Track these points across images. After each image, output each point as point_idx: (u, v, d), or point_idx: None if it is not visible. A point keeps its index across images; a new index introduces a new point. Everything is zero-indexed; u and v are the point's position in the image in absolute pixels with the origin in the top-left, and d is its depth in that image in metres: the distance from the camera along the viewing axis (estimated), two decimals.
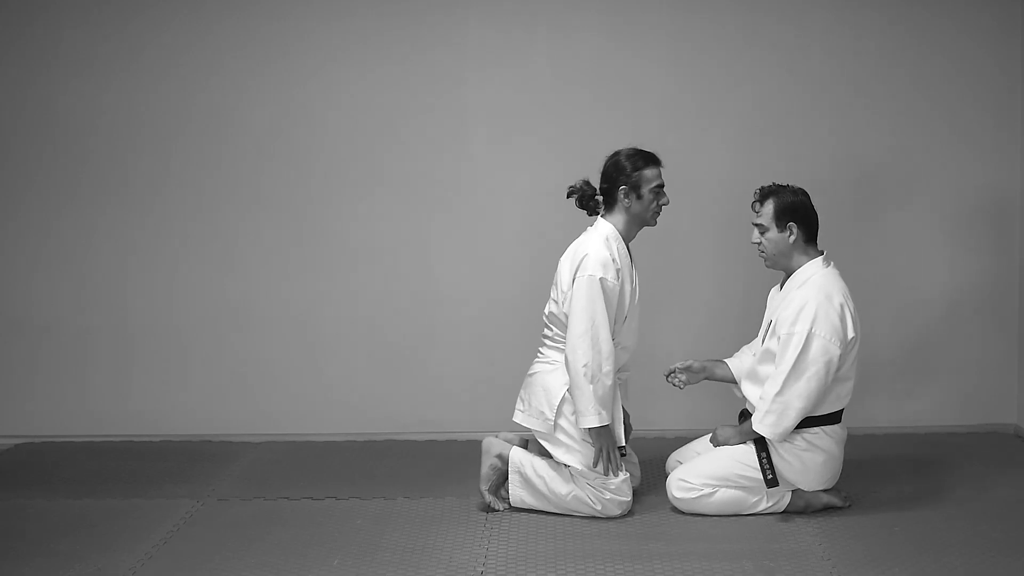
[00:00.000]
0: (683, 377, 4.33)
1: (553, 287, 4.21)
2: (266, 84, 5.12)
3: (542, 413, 4.14)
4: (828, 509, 4.13)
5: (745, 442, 4.10)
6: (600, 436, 4.06)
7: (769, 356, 4.07)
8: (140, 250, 5.20)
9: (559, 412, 4.11)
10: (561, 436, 4.13)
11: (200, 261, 5.20)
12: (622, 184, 4.11)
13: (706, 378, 4.37)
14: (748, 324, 4.42)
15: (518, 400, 4.25)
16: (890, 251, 5.15)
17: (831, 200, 4.88)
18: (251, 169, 5.16)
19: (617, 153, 4.16)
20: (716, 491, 4.08)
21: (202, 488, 4.51)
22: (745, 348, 4.41)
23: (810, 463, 4.05)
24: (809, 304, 3.98)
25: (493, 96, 5.12)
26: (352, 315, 5.20)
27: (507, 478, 4.21)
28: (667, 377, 4.37)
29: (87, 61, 5.12)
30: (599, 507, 4.08)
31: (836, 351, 3.97)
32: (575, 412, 4.06)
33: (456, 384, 5.15)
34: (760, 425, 4.00)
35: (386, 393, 5.23)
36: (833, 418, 4.08)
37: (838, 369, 4.00)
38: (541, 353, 4.26)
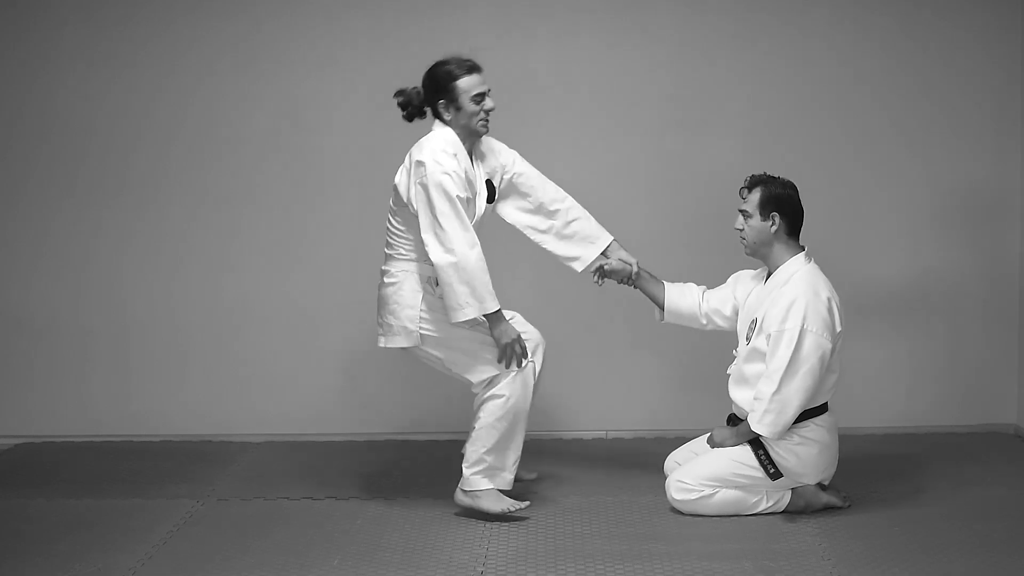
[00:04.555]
0: (604, 270, 4.26)
1: (391, 197, 4.06)
2: (265, 83, 5.12)
3: (404, 328, 4.01)
4: (828, 509, 4.13)
5: (742, 443, 4.10)
6: (497, 327, 3.95)
7: (757, 355, 4.07)
8: (139, 250, 5.19)
9: (422, 320, 4.00)
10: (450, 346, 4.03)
11: (200, 260, 5.19)
12: (440, 99, 4.02)
13: (632, 285, 4.29)
14: None
15: (377, 327, 4.08)
16: (890, 250, 5.14)
17: (831, 198, 4.89)
18: (251, 168, 5.16)
19: (434, 65, 4.03)
20: (716, 492, 4.07)
21: (202, 488, 4.51)
22: (697, 288, 4.32)
23: (805, 456, 4.05)
24: (798, 300, 3.98)
25: (492, 96, 5.10)
26: (352, 315, 5.19)
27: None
28: (593, 274, 4.29)
29: (86, 60, 5.11)
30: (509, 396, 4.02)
31: (828, 345, 3.98)
32: (448, 310, 3.90)
33: (456, 384, 5.12)
34: (759, 425, 3.99)
35: (386, 393, 5.22)
36: (820, 409, 4.09)
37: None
38: (384, 272, 4.10)
